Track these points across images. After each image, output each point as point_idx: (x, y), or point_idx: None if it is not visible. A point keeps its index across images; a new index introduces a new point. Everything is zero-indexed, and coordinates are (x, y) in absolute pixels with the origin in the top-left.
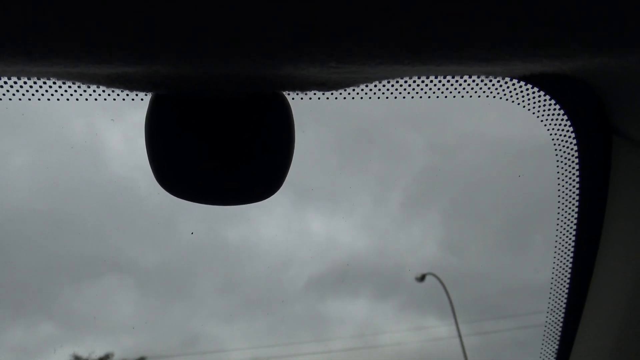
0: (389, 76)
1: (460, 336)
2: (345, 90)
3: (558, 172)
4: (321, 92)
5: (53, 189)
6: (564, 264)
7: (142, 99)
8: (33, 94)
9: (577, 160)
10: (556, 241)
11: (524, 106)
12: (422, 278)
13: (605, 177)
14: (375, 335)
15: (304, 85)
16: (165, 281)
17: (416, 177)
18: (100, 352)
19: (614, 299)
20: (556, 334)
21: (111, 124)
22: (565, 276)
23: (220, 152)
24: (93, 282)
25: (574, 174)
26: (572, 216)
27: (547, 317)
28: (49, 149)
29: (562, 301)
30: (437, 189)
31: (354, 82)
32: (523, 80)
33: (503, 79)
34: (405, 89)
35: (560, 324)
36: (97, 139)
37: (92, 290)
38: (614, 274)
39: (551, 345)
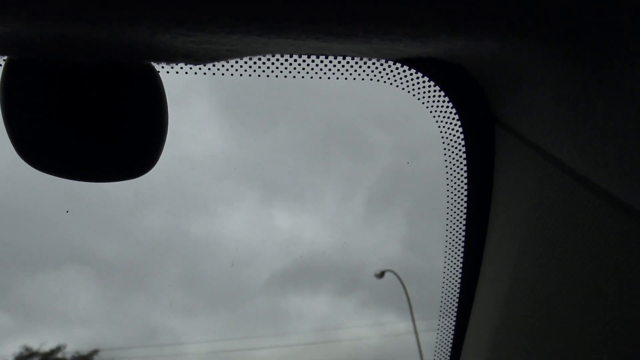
0: (256, 51)
1: (416, 332)
2: (214, 65)
3: (446, 162)
4: (189, 66)
5: (11, 177)
6: (454, 261)
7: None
8: None
9: (464, 150)
10: (446, 236)
11: (408, 91)
12: (381, 275)
13: (490, 169)
14: (335, 330)
15: (169, 56)
16: (125, 273)
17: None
18: (53, 344)
19: (497, 296)
20: (449, 334)
21: None
22: (456, 275)
23: (81, 123)
24: (50, 273)
25: (461, 164)
26: (461, 211)
27: (439, 321)
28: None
29: (453, 300)
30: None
31: (218, 55)
32: (406, 65)
33: (386, 61)
34: (286, 67)
35: (453, 322)
36: None
37: (49, 281)
38: (498, 269)
39: (444, 348)
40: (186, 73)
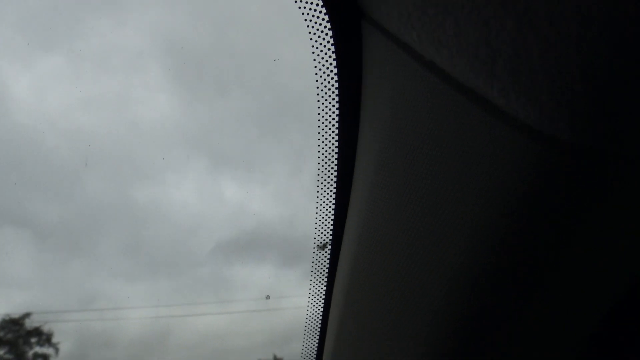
0: None
1: None
2: None
3: (316, 65)
4: None
5: None
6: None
7: None
8: None
9: (332, 49)
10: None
11: None
12: (323, 246)
13: (359, 69)
14: (278, 299)
15: None
16: (65, 238)
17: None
18: None
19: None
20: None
21: (18, 71)
22: (331, 184)
23: None
24: None
25: (331, 66)
26: (333, 124)
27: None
28: None
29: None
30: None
31: None
32: None
33: None
34: None
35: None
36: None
37: None
38: (367, 179)
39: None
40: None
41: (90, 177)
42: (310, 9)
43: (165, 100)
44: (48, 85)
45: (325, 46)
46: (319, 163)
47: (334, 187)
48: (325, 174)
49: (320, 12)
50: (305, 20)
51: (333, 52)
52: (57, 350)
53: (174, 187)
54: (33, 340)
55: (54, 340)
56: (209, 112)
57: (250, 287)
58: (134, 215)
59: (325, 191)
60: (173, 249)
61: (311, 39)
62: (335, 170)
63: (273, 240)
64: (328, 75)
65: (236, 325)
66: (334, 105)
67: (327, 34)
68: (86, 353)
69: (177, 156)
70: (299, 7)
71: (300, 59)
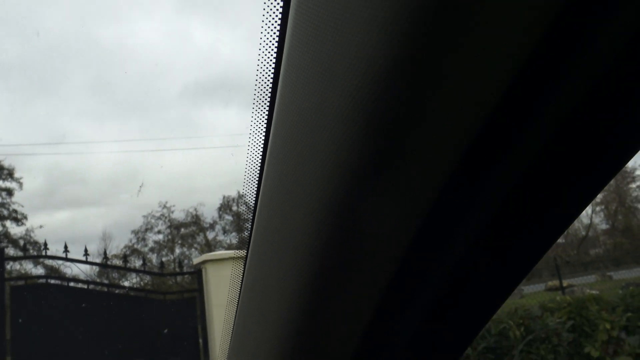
0: None
1: None
2: None
3: None
4: None
5: None
6: None
7: None
8: None
9: None
10: None
11: None
12: None
13: None
14: (242, 136)
15: None
16: (29, 77)
17: None
18: None
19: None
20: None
21: None
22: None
23: None
24: None
25: None
26: None
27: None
28: None
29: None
30: None
31: None
32: None
33: None
34: None
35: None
36: None
37: None
38: None
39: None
40: None
41: (53, 14)
42: None
43: None
44: None
45: None
46: None
47: None
48: None
49: None
50: None
51: None
52: (20, 184)
53: (141, 27)
54: None
55: (17, 175)
56: None
57: (218, 128)
58: (101, 55)
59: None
60: (141, 90)
61: None
62: None
63: (242, 83)
64: None
65: (204, 166)
66: None
67: None
68: (56, 189)
69: None
70: None
71: None
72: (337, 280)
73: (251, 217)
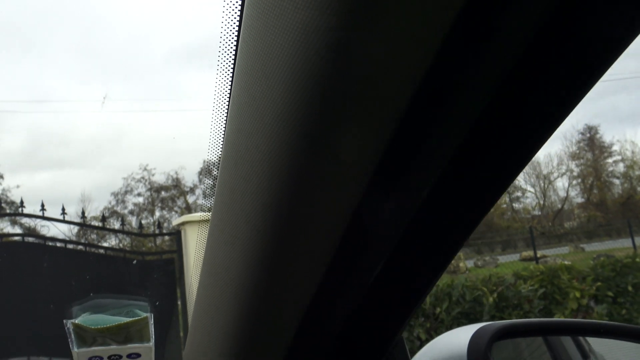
0: None
1: None
2: None
3: None
4: None
5: None
6: None
7: None
8: None
9: None
10: None
11: None
12: None
13: None
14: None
15: None
16: (13, 36)
17: None
18: None
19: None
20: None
21: None
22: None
23: None
24: None
25: None
26: None
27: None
28: None
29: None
30: None
31: None
32: None
33: None
34: None
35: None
36: None
37: None
38: None
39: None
40: None
41: None
42: None
43: None
44: None
45: None
46: None
47: None
48: None
49: None
50: None
51: None
52: None
53: None
54: None
55: None
56: None
57: (204, 90)
58: (86, 16)
59: None
60: (127, 53)
61: None
62: None
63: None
64: None
65: (187, 128)
66: None
67: None
68: (38, 149)
69: None
70: None
71: None
72: (281, 260)
73: (213, 182)
